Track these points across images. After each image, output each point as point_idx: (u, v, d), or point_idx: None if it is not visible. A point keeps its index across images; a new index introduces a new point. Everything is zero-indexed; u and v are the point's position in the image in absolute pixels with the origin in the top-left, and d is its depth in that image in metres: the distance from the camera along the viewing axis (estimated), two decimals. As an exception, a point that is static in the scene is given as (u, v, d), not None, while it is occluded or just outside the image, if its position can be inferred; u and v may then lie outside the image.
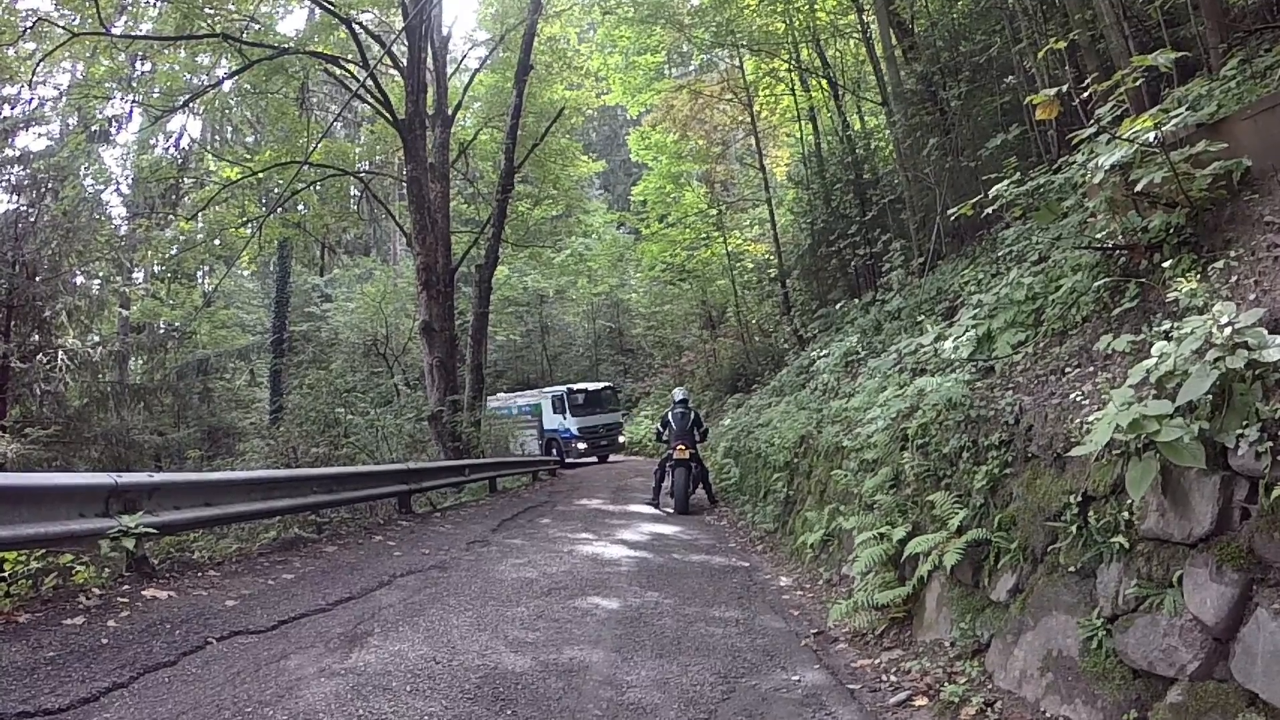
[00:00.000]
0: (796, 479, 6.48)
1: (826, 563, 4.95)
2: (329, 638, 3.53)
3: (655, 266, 26.73)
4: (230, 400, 29.22)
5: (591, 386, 22.29)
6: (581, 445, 19.91)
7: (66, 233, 15.85)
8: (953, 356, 4.49)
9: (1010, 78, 7.15)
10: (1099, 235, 3.60)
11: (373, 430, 12.75)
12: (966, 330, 4.38)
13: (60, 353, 9.16)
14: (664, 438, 9.39)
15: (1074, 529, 2.55)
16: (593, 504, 10.17)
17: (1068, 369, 3.25)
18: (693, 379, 25.92)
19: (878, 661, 3.33)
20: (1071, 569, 2.54)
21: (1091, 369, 3.07)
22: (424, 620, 3.81)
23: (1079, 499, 2.56)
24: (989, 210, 3.96)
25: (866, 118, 15.09)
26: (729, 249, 23.78)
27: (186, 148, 29.26)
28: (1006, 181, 3.89)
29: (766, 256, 24.69)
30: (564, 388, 21.91)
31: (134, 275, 30.31)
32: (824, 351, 10.37)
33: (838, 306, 11.40)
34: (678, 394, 9.72)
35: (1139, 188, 3.02)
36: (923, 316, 7.46)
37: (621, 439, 22.10)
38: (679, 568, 5.62)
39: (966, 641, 3.00)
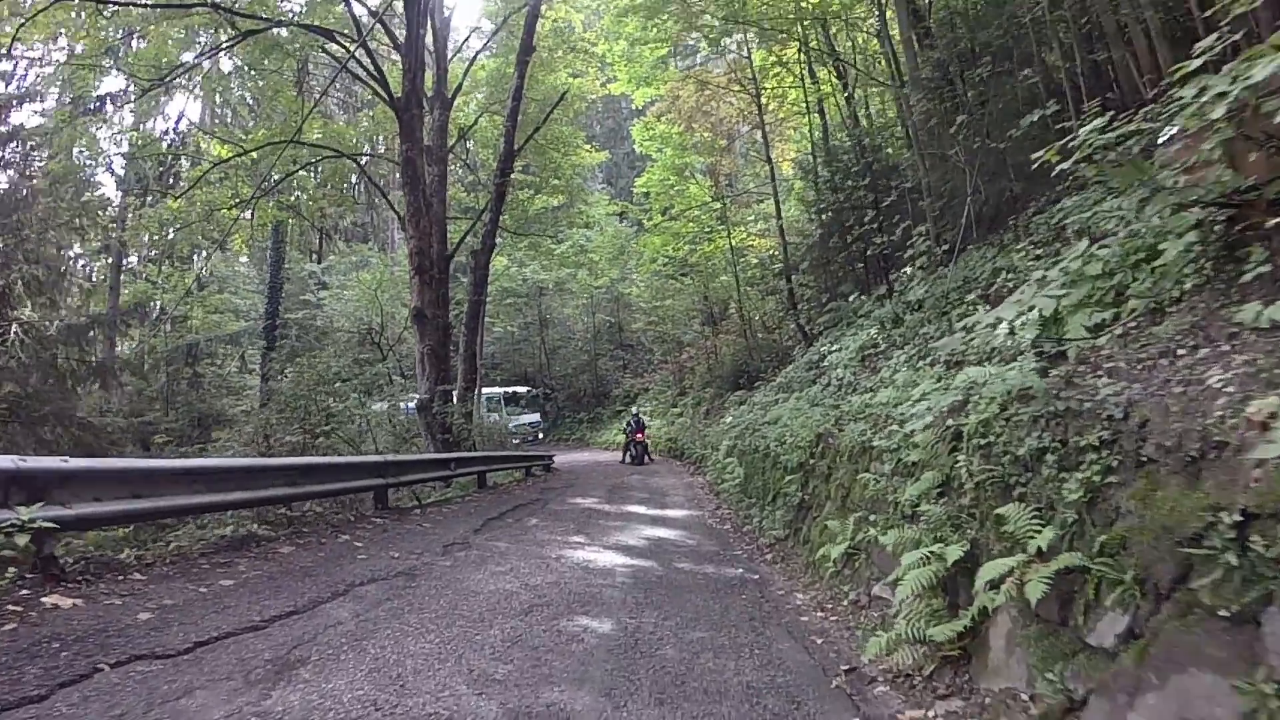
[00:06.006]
0: (812, 482, 5.82)
1: (852, 580, 4.29)
2: (251, 667, 2.86)
3: (657, 260, 26.06)
4: (221, 387, 28.58)
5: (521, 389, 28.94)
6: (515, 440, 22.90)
7: (47, 204, 15.20)
8: (1007, 343, 3.83)
9: (1032, 66, 6.57)
10: (1205, 190, 2.94)
11: (355, 420, 12.11)
12: (1026, 313, 3.70)
13: (15, 326, 8.48)
14: (627, 430, 18.49)
15: (1226, 558, 1.88)
16: (586, 503, 9.51)
17: (1179, 350, 2.58)
18: (692, 375, 25.31)
19: (931, 714, 2.66)
20: (1222, 612, 1.88)
21: (1220, 348, 2.40)
22: (374, 645, 3.14)
23: (1234, 517, 1.89)
24: (1064, 166, 3.29)
25: (875, 107, 14.42)
26: (733, 244, 23.12)
27: (184, 130, 28.65)
28: (1089, 127, 3.21)
29: (770, 252, 24.08)
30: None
31: (128, 259, 29.80)
32: (835, 346, 9.73)
33: (850, 300, 10.74)
34: (634, 409, 21.03)
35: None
36: (950, 306, 6.85)
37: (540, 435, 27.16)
38: (681, 580, 4.95)
39: (1054, 697, 2.33)
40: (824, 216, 12.52)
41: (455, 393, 14.55)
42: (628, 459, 17.98)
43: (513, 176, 23.95)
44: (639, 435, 17.93)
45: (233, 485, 4.97)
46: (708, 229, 24.35)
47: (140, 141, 21.23)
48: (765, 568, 5.68)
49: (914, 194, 9.69)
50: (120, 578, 4.01)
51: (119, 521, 4.37)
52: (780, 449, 6.99)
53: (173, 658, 2.94)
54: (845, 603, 4.17)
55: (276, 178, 18.35)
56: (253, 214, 20.04)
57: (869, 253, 10.38)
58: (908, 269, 8.87)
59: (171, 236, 24.18)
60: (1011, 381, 3.14)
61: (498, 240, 25.59)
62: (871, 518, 4.17)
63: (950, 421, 3.52)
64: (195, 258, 32.47)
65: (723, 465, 10.75)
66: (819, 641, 3.65)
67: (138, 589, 3.84)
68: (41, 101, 22.74)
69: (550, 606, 3.91)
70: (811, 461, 5.80)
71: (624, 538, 6.61)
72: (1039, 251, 5.68)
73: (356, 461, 6.47)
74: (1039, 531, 2.55)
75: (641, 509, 8.99)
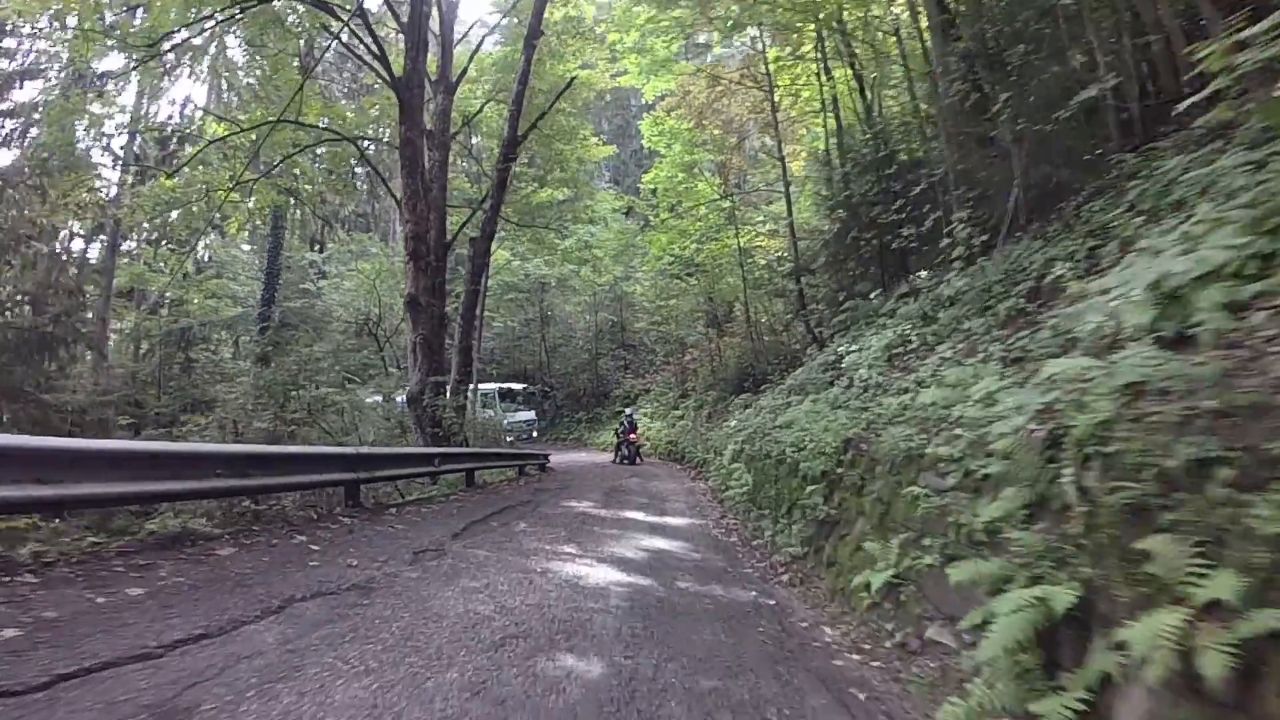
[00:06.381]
0: (838, 494, 5.08)
1: (897, 617, 3.54)
2: (121, 716, 2.13)
3: (663, 257, 25.38)
4: (215, 373, 27.90)
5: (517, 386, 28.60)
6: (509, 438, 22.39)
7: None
8: (1101, 330, 3.11)
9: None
10: None
11: (342, 410, 11.41)
12: (1129, 290, 2.97)
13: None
14: (619, 431, 18.61)
15: None
16: (581, 506, 8.76)
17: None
18: (695, 378, 24.62)
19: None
20: None
21: None
22: (291, 690, 2.41)
23: None
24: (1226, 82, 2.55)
25: (891, 104, 13.69)
26: (741, 244, 22.45)
27: (189, 115, 28.12)
28: (1266, 23, 2.46)
29: (779, 254, 23.42)
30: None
31: (125, 241, 29.20)
32: (854, 346, 9.01)
33: (870, 298, 10.01)
34: (629, 411, 20.71)
35: None
36: (994, 300, 6.13)
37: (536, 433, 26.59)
38: (685, 605, 4.21)
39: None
40: (842, 211, 11.79)
41: (449, 386, 13.83)
42: (619, 459, 18.19)
43: (518, 169, 23.39)
44: (631, 436, 18.21)
45: (166, 473, 4.24)
46: (715, 228, 23.70)
47: (139, 121, 20.63)
48: (782, 591, 4.94)
49: (941, 186, 9.00)
50: (5, 579, 3.29)
51: (18, 510, 3.65)
52: (798, 455, 6.24)
53: (19, 696, 2.21)
54: (889, 645, 3.42)
55: (276, 160, 17.76)
56: (251, 196, 19.46)
57: (892, 246, 9.64)
58: (948, 260, 8.13)
59: (171, 218, 23.68)
60: (1129, 373, 2.41)
61: (501, 232, 25.02)
62: (925, 541, 3.43)
63: (1040, 424, 2.78)
64: (194, 242, 31.94)
65: (728, 471, 10.01)
66: (861, 697, 2.90)
67: (19, 595, 3.11)
68: (45, 80, 22.20)
69: (528, 639, 3.17)
70: (839, 471, 5.06)
71: (620, 549, 5.86)
72: (1140, 221, 4.95)
73: (320, 453, 5.73)
74: (1207, 576, 1.81)
75: (640, 515, 8.25)
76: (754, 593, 4.77)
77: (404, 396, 13.63)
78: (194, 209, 21.22)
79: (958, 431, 3.45)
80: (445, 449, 9.50)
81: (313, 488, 5.76)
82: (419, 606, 3.55)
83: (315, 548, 4.70)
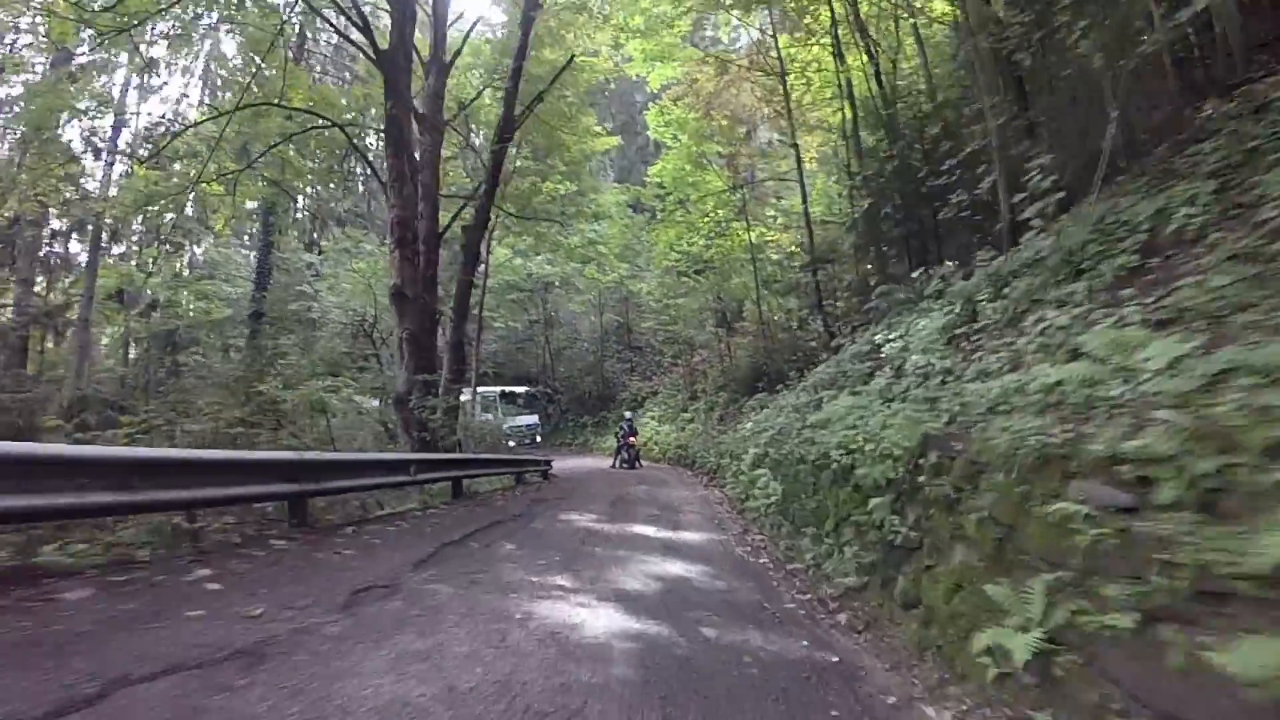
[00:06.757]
0: (915, 509, 3.83)
1: (1055, 702, 2.29)
2: None
3: (670, 255, 24.20)
4: (203, 377, 26.89)
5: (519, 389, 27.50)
6: (510, 443, 21.73)
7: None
8: None
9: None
10: None
11: (312, 410, 10.23)
12: None
13: None
14: (619, 435, 18.47)
15: None
16: (582, 520, 7.54)
17: None
18: (704, 379, 23.41)
19: None
20: None
21: None
22: None
23: None
24: None
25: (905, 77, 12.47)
26: (752, 239, 21.27)
27: (181, 113, 27.31)
28: None
29: (792, 249, 22.25)
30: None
31: (109, 240, 28.30)
32: (893, 333, 7.78)
33: (914, 276, 8.76)
34: (628, 414, 20.78)
35: None
36: (1090, 261, 4.91)
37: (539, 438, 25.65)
38: (718, 667, 2.98)
39: None
40: (875, 184, 10.56)
41: (440, 385, 12.64)
42: (618, 463, 17.96)
43: (519, 163, 22.30)
44: (630, 439, 18.11)
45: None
46: (724, 223, 22.54)
47: (111, 104, 19.68)
48: (844, 640, 3.69)
49: (1000, 139, 7.75)
50: None
51: None
52: (847, 459, 5.00)
53: None
54: (1052, 755, 2.18)
55: (261, 151, 16.76)
56: (235, 188, 18.48)
57: (939, 216, 8.40)
58: (1015, 224, 6.88)
59: (155, 210, 22.82)
60: None
61: (501, 229, 23.91)
62: (1100, 587, 2.19)
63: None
64: (182, 239, 31.03)
65: (749, 478, 8.77)
66: None
67: None
68: (33, 72, 21.35)
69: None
70: (918, 479, 3.81)
71: (626, 578, 4.63)
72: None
73: (245, 459, 4.49)
74: None
75: (650, 531, 7.01)
76: (806, 642, 3.53)
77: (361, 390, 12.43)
78: (176, 203, 20.26)
79: (1152, 417, 2.20)
80: (425, 455, 8.27)
81: (234, 504, 4.56)
82: (320, 691, 2.33)
83: (213, 587, 3.49)
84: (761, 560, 5.95)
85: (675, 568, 5.21)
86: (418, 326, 12.24)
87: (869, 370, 7.72)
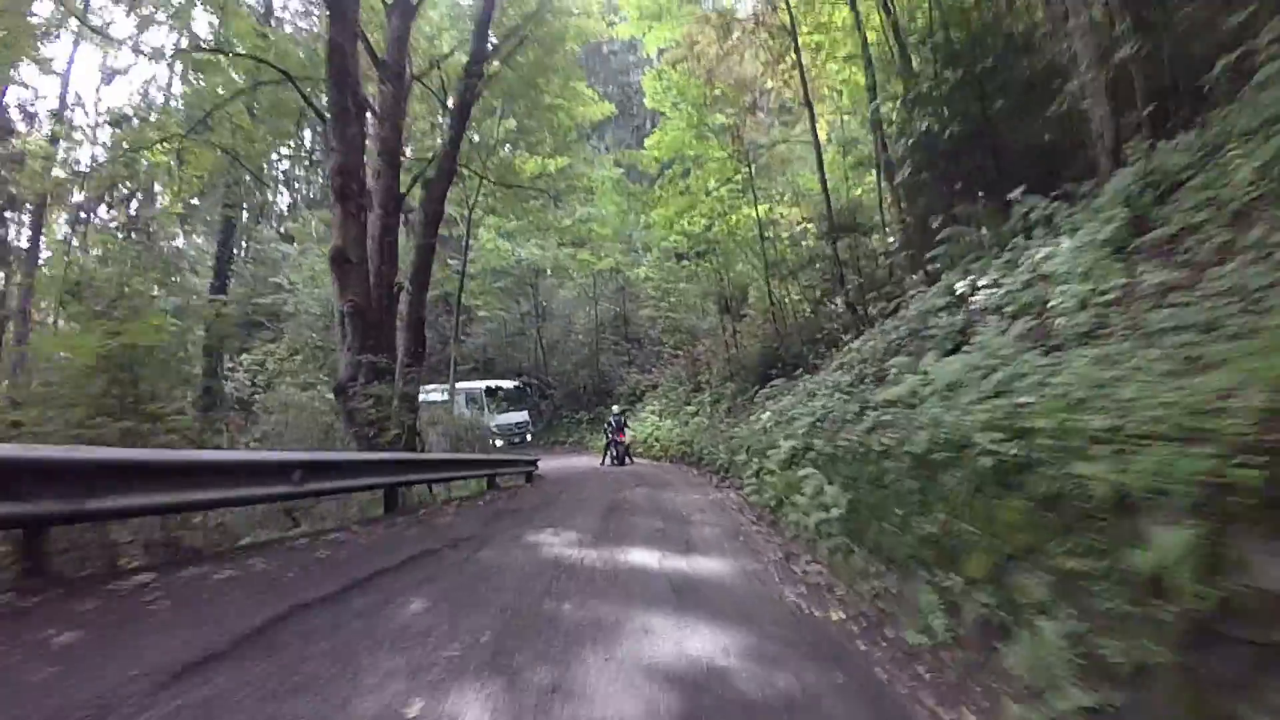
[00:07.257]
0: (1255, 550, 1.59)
1: None
2: None
3: (670, 235, 21.90)
4: (163, 374, 24.63)
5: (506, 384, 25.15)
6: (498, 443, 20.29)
7: None
8: None
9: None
10: None
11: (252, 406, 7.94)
12: None
13: None
14: (608, 431, 17.73)
15: None
16: (557, 544, 5.25)
17: None
18: (709, 370, 21.14)
19: None
20: None
21: None
22: None
23: None
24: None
25: None
26: (759, 215, 19.04)
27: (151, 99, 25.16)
28: None
29: (802, 224, 20.02)
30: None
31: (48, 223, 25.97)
32: (989, 277, 5.54)
33: (1019, 209, 6.48)
34: (615, 409, 19.19)
35: None
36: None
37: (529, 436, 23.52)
38: None
39: None
40: (929, 107, 8.28)
41: (396, 370, 10.35)
42: (608, 460, 17.08)
43: (502, 135, 20.01)
44: (620, 436, 17.29)
45: None
46: (729, 200, 20.28)
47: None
48: None
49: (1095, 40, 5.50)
50: None
51: None
52: (1008, 446, 2.73)
53: None
54: None
55: (205, 113, 14.52)
56: (179, 161, 16.21)
57: (1013, 141, 6.11)
58: (1160, 125, 4.63)
59: (92, 183, 20.64)
60: None
61: (483, 206, 21.61)
62: None
63: None
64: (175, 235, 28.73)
65: (785, 481, 6.45)
66: None
67: None
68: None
69: None
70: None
71: (606, 689, 2.35)
72: None
73: None
74: None
75: (653, 559, 4.74)
76: None
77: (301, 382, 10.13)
78: (112, 174, 17.99)
79: None
80: (321, 455, 5.91)
81: None
82: None
83: None
84: (836, 616, 3.65)
85: (697, 641, 2.94)
86: (362, 297, 9.95)
87: (959, 324, 5.44)
